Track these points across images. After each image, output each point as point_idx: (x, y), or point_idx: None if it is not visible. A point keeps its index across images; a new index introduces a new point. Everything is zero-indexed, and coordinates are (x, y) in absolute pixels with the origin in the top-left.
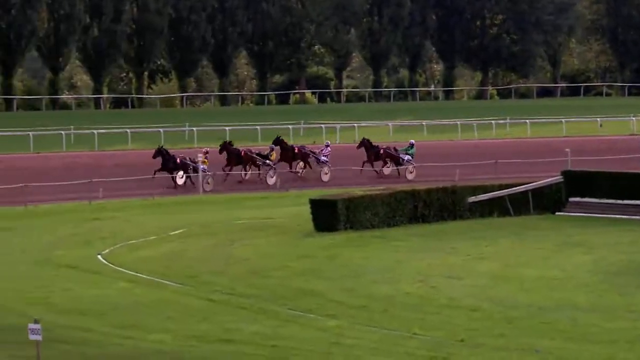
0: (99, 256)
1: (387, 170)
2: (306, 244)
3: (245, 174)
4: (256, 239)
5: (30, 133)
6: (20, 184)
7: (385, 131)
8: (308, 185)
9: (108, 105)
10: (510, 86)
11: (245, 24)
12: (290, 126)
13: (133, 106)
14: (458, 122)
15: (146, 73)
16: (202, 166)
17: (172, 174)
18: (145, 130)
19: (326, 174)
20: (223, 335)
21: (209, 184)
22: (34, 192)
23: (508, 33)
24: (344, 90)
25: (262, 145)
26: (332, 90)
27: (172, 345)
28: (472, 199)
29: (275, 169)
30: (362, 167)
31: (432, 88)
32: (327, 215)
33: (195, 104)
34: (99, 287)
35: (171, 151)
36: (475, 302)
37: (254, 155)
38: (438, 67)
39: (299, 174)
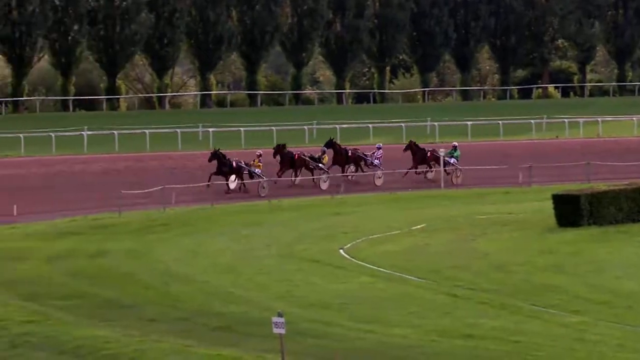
0: (341, 250)
1: (431, 174)
2: (549, 240)
3: (295, 179)
4: (498, 234)
5: (274, 128)
6: (268, 179)
7: (629, 125)
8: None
9: (350, 100)
10: None
11: (487, 18)
12: (532, 121)
13: (375, 101)
14: None
15: (388, 68)
16: (256, 170)
17: (227, 178)
18: (386, 125)
19: (379, 177)
20: (465, 331)
21: (264, 188)
22: (279, 185)
23: None
24: (588, 84)
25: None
26: (576, 84)
27: (414, 339)
28: None
29: (328, 172)
30: (409, 171)
31: None
32: (569, 211)
33: (437, 99)
34: (341, 282)
35: (232, 153)
36: None
37: (307, 159)
38: None
39: (350, 178)
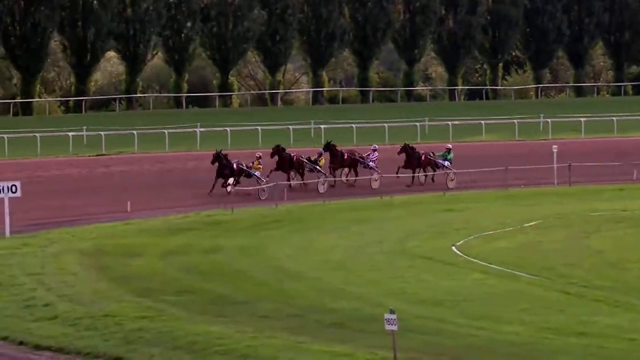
0: (453, 247)
1: (423, 177)
2: None
3: (290, 183)
4: (612, 231)
5: (386, 125)
6: (378, 176)
7: None
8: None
9: (462, 97)
10: None
11: (601, 14)
12: None
13: (487, 97)
14: None
15: (501, 64)
16: (256, 173)
17: (227, 180)
18: (499, 122)
19: (376, 180)
20: (578, 328)
21: (264, 191)
22: (390, 182)
23: None
24: None
25: (618, 137)
26: None
27: (526, 337)
28: None
29: (326, 175)
30: (397, 172)
31: None
32: None
33: (549, 95)
34: (453, 278)
35: (233, 154)
36: None
37: (305, 161)
38: None
39: (344, 181)
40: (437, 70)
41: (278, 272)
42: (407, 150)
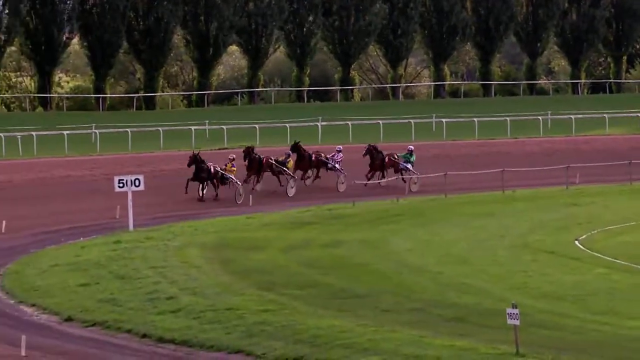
0: (576, 242)
1: (385, 181)
2: None
3: (255, 185)
4: None
5: (508, 118)
6: (499, 169)
7: None
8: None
9: (585, 90)
10: None
11: None
12: None
13: (611, 91)
14: None
15: (625, 57)
16: (230, 176)
17: (204, 184)
18: (623, 115)
19: (342, 183)
20: None
21: (241, 195)
22: (512, 177)
23: None
24: None
25: None
26: None
27: None
28: None
29: (295, 178)
30: (368, 177)
31: None
32: None
33: None
34: (576, 273)
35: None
36: None
37: (273, 163)
38: None
39: (305, 184)
40: (560, 63)
41: (399, 266)
42: (372, 152)
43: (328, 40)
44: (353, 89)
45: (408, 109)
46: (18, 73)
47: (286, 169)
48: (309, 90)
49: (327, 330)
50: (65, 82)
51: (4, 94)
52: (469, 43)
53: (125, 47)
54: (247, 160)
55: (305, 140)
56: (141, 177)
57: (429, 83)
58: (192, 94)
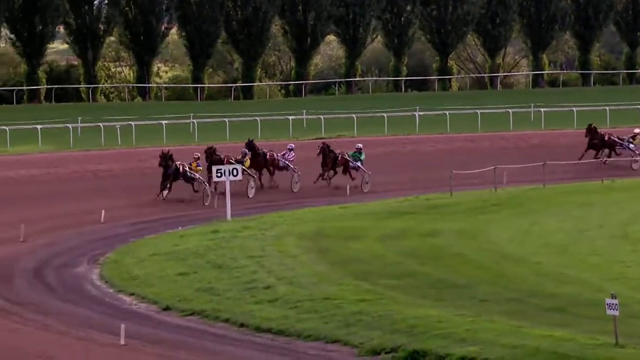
0: None
1: (333, 180)
2: None
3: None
4: None
5: (607, 108)
6: (598, 159)
7: None
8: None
9: None
10: None
11: None
12: None
13: None
14: None
15: None
16: (195, 175)
17: (171, 184)
18: None
19: (296, 182)
20: None
21: (208, 196)
22: (610, 166)
23: None
24: None
25: None
26: None
27: None
28: None
29: (254, 177)
30: (323, 176)
31: None
32: None
33: None
34: None
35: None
36: None
37: (233, 162)
38: None
39: (251, 186)
40: None
41: (497, 256)
42: (325, 150)
43: (426, 30)
44: (451, 78)
45: (506, 99)
46: (117, 63)
47: (243, 167)
48: (406, 80)
49: (425, 320)
50: (163, 72)
51: (103, 84)
52: (568, 32)
53: (224, 37)
54: (208, 161)
55: (403, 130)
56: (239, 167)
57: (528, 72)
58: (289, 84)
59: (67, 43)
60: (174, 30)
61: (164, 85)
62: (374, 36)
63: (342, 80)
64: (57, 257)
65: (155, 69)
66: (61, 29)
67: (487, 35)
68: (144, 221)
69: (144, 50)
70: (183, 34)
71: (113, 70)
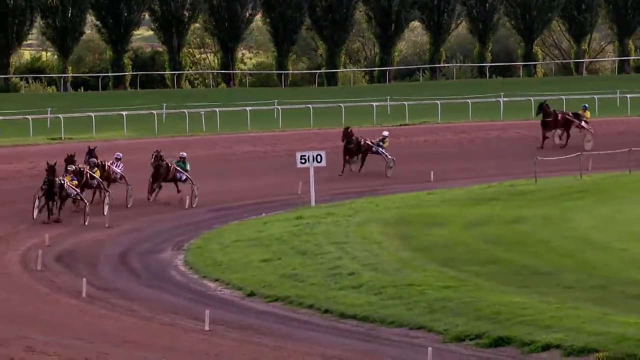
0: None
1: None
2: None
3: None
4: None
5: None
6: None
7: None
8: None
9: None
10: None
11: None
12: None
13: None
14: None
15: None
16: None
17: (53, 201)
18: None
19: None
20: None
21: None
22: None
23: None
24: None
25: None
26: None
27: None
28: None
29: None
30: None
31: None
32: None
33: None
34: None
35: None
36: None
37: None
38: None
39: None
40: None
41: (582, 243)
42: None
43: (511, 16)
44: (536, 64)
45: (591, 85)
46: (202, 50)
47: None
48: (491, 66)
49: (509, 307)
50: (248, 58)
51: (188, 70)
52: None
53: (308, 23)
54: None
55: (487, 117)
56: (323, 153)
57: (613, 58)
58: (373, 70)
59: (152, 30)
60: (258, 17)
61: (248, 71)
62: (459, 22)
63: (427, 66)
64: (142, 243)
65: (239, 55)
66: (146, 15)
67: (572, 21)
68: (228, 207)
69: (229, 36)
70: (267, 20)
71: (198, 56)
